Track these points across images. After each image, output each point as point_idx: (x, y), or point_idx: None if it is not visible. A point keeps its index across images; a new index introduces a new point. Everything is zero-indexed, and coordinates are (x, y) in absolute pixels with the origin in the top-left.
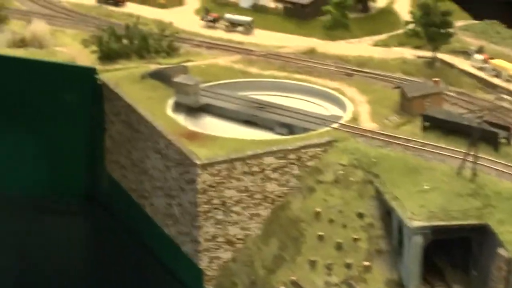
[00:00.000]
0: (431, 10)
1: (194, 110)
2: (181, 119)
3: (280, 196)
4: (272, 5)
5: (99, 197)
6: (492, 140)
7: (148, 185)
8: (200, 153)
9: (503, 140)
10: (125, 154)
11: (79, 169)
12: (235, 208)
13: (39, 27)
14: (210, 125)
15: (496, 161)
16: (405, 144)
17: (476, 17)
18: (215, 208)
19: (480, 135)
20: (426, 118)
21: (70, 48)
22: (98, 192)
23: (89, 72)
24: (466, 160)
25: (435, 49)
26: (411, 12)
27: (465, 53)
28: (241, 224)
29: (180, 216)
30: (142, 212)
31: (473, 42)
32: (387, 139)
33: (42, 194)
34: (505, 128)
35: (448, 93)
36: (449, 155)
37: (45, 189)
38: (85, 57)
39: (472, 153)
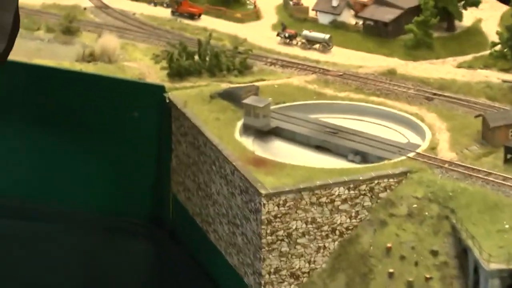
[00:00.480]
0: None
1: (263, 133)
2: (250, 142)
3: (349, 229)
4: (353, 21)
5: (163, 218)
6: None
7: (212, 211)
8: (266, 182)
9: None
10: (191, 176)
11: (145, 189)
12: (301, 240)
13: (109, 40)
14: (280, 149)
15: None
16: (485, 177)
17: None
18: (280, 240)
19: None
20: (509, 149)
21: (140, 63)
22: (163, 213)
23: (158, 90)
24: None
25: None
26: (498, 33)
27: None
28: (307, 257)
29: (243, 246)
30: (205, 238)
31: None
32: (466, 171)
33: (108, 212)
34: None
35: None
36: None
37: (110, 207)
38: (155, 74)
39: None
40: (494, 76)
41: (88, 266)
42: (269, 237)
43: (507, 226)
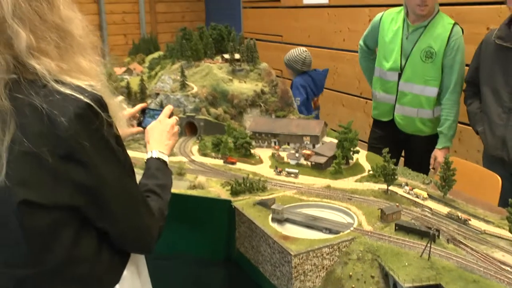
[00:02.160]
0: (386, 167)
1: (281, 221)
2: (276, 226)
3: (329, 266)
4: (305, 162)
5: (232, 259)
6: (432, 237)
7: (261, 258)
8: (292, 247)
9: (436, 237)
10: (247, 241)
11: (221, 245)
12: (309, 274)
13: (201, 178)
14: (290, 229)
15: (437, 248)
16: (388, 239)
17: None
18: (300, 274)
19: (428, 235)
20: (396, 225)
21: (215, 189)
22: (231, 257)
23: (227, 202)
24: (425, 249)
25: (388, 185)
26: (371, 166)
27: (400, 185)
28: (311, 280)
29: (281, 276)
30: (257, 270)
31: (401, 180)
32: (379, 236)
33: (202, 256)
34: (437, 230)
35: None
36: (412, 245)
37: (203, 254)
38: (224, 193)
39: (428, 244)
40: (373, 186)
41: (198, 276)
42: (294, 274)
43: (406, 263)
